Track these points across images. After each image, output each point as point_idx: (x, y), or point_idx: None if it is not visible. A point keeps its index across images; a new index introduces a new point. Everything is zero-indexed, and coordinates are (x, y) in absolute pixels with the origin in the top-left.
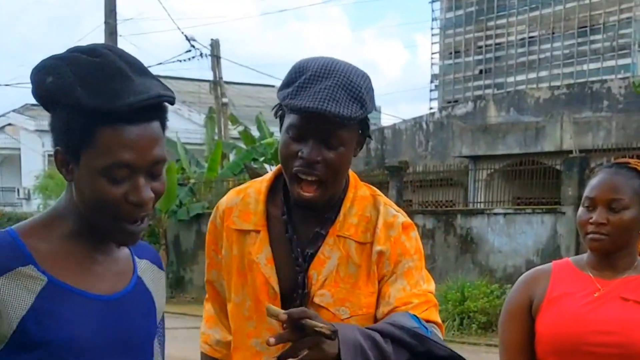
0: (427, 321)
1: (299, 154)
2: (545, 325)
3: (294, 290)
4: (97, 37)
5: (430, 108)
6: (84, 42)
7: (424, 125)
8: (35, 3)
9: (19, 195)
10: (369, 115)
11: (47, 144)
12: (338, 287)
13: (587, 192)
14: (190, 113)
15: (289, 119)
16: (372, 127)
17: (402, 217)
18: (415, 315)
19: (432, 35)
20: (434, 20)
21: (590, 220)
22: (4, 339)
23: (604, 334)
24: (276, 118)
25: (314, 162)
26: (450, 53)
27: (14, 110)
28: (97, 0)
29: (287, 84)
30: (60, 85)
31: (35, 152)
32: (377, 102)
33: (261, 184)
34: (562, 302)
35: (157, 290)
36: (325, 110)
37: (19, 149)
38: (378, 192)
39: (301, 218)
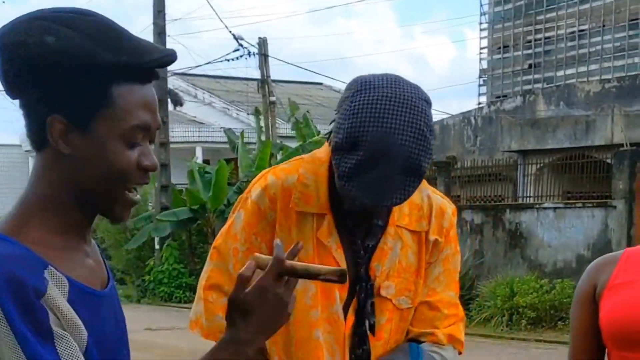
0: (450, 337)
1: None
2: (605, 312)
3: (356, 282)
4: (146, 37)
5: (479, 103)
6: None
7: (472, 120)
8: (86, 4)
9: None
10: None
11: None
12: (400, 277)
13: None
14: (239, 112)
15: None
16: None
17: (448, 204)
18: (421, 350)
19: (481, 29)
20: (482, 15)
21: None
22: None
23: None
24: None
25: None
26: (499, 47)
27: None
28: (147, 1)
29: (340, 148)
30: (71, 45)
31: None
32: None
33: (314, 165)
34: (622, 289)
35: None
36: (383, 206)
37: None
38: None
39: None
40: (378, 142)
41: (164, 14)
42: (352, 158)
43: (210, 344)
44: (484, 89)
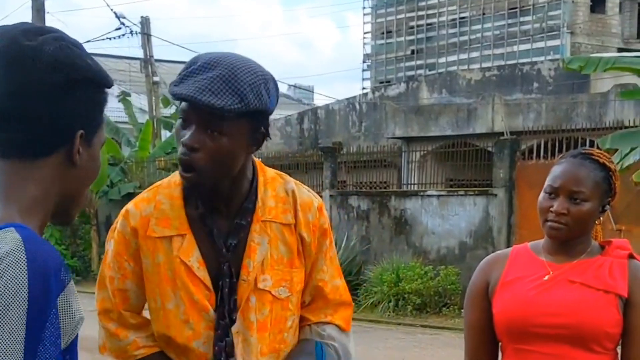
0: (345, 323)
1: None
2: (498, 307)
3: (219, 279)
4: (24, 14)
5: (363, 88)
6: (10, 20)
7: (357, 106)
8: None
9: None
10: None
11: None
12: (274, 269)
13: (550, 179)
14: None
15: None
16: (306, 109)
17: (315, 198)
18: (319, 344)
19: (364, 14)
20: (365, 0)
21: (551, 209)
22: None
23: (550, 316)
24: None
25: (190, 148)
26: (382, 33)
27: None
28: None
29: (178, 74)
30: (96, 66)
31: None
32: (310, 82)
33: (170, 189)
34: (514, 285)
35: None
36: (197, 99)
37: None
38: (282, 173)
39: (217, 213)
40: (212, 58)
41: None
42: (185, 72)
43: None
44: (368, 74)
